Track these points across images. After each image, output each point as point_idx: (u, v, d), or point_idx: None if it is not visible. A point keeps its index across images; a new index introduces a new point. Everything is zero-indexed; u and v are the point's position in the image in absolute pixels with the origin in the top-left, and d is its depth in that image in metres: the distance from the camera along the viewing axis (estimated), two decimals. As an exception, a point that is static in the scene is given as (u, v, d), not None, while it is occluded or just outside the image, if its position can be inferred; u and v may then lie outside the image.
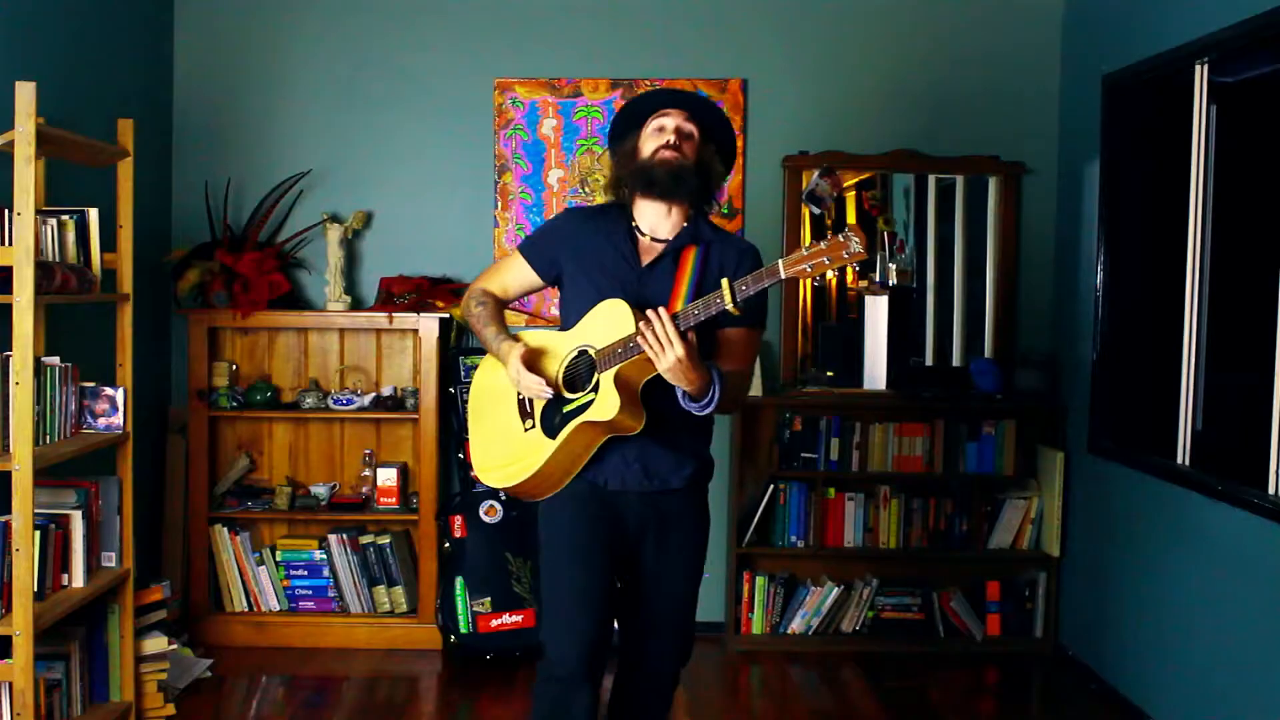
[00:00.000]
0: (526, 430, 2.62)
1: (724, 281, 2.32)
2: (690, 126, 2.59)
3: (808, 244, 2.33)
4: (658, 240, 2.61)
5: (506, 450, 2.66)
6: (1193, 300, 3.73)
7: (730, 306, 2.32)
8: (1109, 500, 4.13)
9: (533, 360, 2.59)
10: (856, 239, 2.24)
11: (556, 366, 2.60)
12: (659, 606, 2.66)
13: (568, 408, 2.54)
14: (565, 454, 2.54)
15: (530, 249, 2.74)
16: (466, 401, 4.43)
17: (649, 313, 2.38)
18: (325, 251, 4.46)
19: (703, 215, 2.65)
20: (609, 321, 2.50)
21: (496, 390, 2.73)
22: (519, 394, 2.65)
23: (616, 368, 2.45)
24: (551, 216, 2.77)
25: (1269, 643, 3.15)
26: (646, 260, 2.60)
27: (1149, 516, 3.83)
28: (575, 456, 2.56)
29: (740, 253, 2.62)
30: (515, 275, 2.76)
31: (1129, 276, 4.08)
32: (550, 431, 2.55)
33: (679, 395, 2.47)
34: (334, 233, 4.43)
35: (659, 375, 2.43)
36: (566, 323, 2.66)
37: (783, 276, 2.29)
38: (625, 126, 2.69)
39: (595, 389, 2.49)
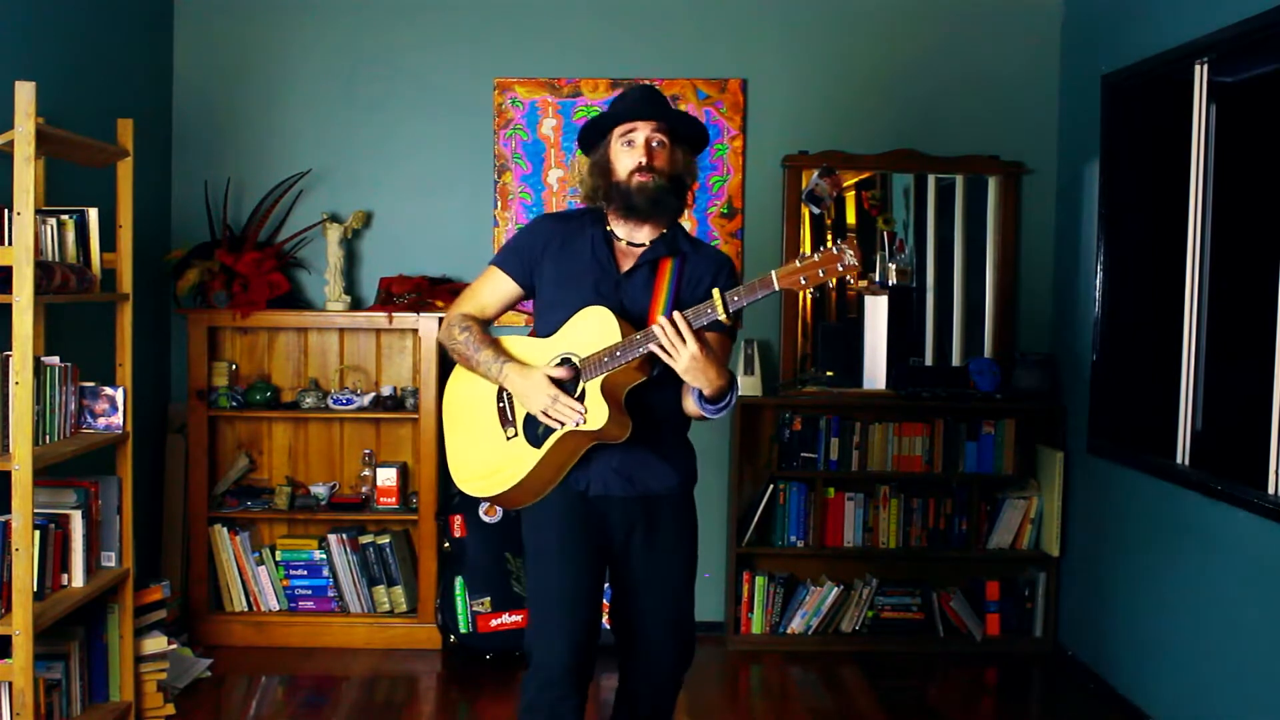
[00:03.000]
0: (509, 439, 2.57)
1: (715, 291, 2.34)
2: (660, 136, 2.54)
3: (803, 253, 2.30)
4: (633, 245, 2.59)
5: (488, 459, 2.61)
6: (1192, 300, 3.73)
7: (722, 316, 2.33)
8: (1109, 500, 4.13)
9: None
10: (850, 251, 2.24)
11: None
12: (656, 606, 2.64)
13: None
14: (549, 463, 2.52)
15: (508, 261, 2.67)
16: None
17: (660, 318, 2.36)
18: (325, 251, 4.46)
19: (678, 224, 2.65)
20: (593, 329, 2.47)
21: (475, 398, 2.65)
22: (500, 403, 2.60)
23: (603, 376, 2.43)
24: (525, 225, 2.69)
25: (1269, 643, 3.15)
26: (625, 267, 2.58)
27: (1149, 516, 3.83)
28: (560, 465, 2.54)
29: (716, 265, 2.61)
30: (493, 291, 2.68)
31: (1128, 276, 4.08)
32: (534, 441, 2.52)
33: (695, 399, 2.48)
34: (334, 232, 4.42)
35: (641, 383, 2.46)
36: (543, 328, 2.61)
37: (776, 288, 2.30)
38: (594, 136, 2.63)
39: (580, 397, 2.46)
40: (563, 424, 2.45)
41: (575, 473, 2.56)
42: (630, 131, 2.54)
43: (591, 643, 2.57)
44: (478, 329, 2.63)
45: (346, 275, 4.50)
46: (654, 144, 2.53)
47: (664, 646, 2.67)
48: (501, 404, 2.60)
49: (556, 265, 2.59)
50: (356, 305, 4.49)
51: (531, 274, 2.64)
